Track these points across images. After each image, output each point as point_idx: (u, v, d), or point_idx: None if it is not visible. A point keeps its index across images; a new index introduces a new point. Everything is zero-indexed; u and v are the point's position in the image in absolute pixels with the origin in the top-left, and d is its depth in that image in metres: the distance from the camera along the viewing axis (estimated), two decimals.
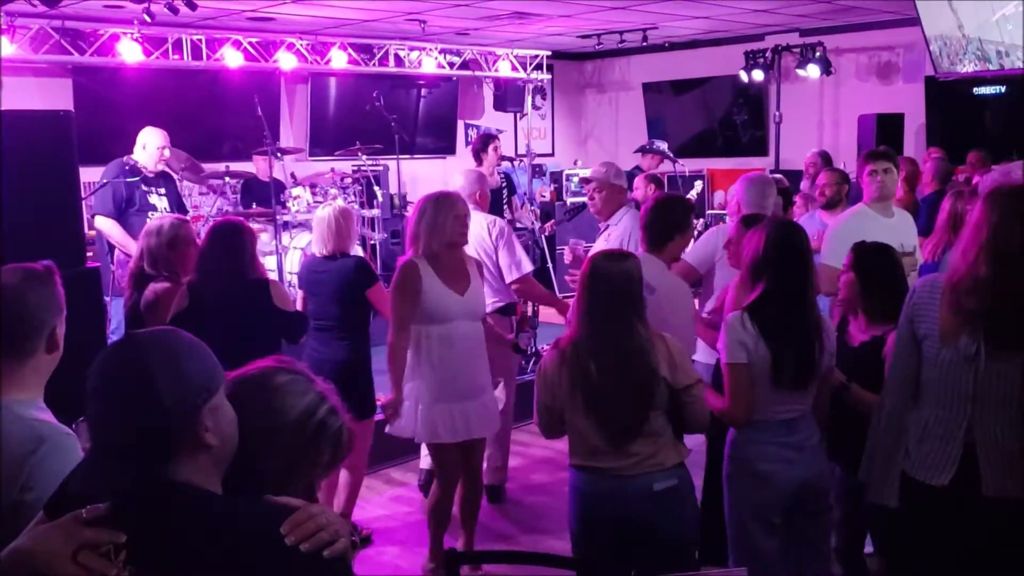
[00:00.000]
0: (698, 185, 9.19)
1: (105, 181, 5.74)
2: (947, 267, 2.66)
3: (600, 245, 4.60)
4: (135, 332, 1.56)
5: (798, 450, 3.00)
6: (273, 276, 7.36)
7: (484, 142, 7.49)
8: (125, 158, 5.91)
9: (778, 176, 6.09)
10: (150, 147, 5.95)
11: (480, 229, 4.66)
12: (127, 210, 5.77)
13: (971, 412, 2.51)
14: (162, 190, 6.03)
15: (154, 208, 5.88)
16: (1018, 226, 2.42)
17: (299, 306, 4.49)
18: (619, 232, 4.62)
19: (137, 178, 5.80)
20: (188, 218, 5.04)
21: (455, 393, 3.84)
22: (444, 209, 3.86)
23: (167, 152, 6.04)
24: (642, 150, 8.83)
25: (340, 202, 7.10)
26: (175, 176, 6.34)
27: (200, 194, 8.34)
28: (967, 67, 8.35)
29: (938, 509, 2.57)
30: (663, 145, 8.93)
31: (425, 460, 5.03)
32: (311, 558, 1.40)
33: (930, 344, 2.57)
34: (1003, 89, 8.82)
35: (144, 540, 1.39)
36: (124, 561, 1.37)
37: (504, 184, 7.70)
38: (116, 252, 5.70)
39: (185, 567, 1.38)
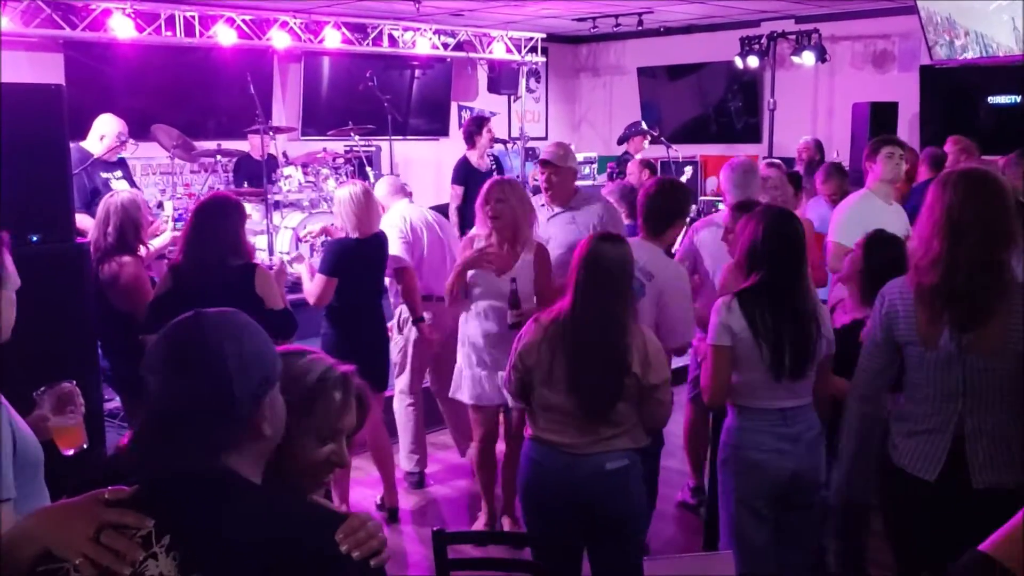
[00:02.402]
0: (687, 171, 9.18)
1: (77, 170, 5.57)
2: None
3: (561, 228, 4.47)
4: (202, 311, 1.46)
5: (793, 441, 3.01)
6: (264, 255, 7.38)
7: (478, 124, 7.50)
8: (76, 147, 5.67)
9: (777, 161, 6.11)
10: (110, 137, 5.83)
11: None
12: (94, 200, 5.57)
13: (961, 407, 2.51)
14: (119, 173, 5.97)
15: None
16: (968, 202, 2.46)
17: (314, 290, 4.36)
18: (586, 219, 4.44)
19: (92, 160, 5.72)
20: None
21: None
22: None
23: (128, 143, 5.94)
24: (624, 138, 8.80)
25: (332, 184, 7.09)
26: (125, 158, 6.24)
27: (192, 172, 8.30)
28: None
29: (928, 502, 2.58)
30: (641, 124, 8.92)
31: (408, 461, 5.09)
32: (357, 567, 1.37)
33: (912, 349, 2.57)
34: (1018, 99, 8.81)
35: (190, 527, 1.35)
36: (167, 547, 1.33)
37: (494, 167, 7.69)
38: None
39: (233, 561, 1.33)
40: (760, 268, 2.98)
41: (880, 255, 3.35)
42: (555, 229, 4.51)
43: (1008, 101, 8.91)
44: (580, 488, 2.95)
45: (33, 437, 1.97)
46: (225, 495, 1.38)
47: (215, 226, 3.76)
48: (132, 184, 6.14)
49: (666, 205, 3.85)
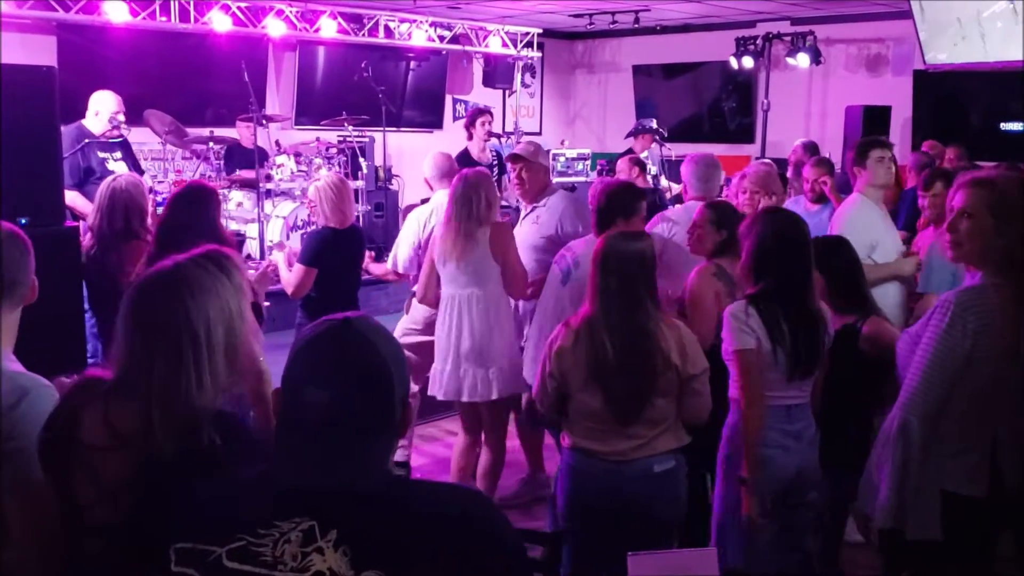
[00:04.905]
0: (652, 169, 9.08)
1: (68, 154, 5.41)
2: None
3: (528, 229, 4.48)
4: (351, 317, 1.44)
5: (796, 438, 3.01)
6: (254, 244, 7.36)
7: (472, 117, 7.56)
8: (77, 125, 5.68)
9: (767, 161, 6.12)
10: (104, 113, 5.76)
11: None
12: (87, 179, 5.58)
13: (997, 417, 2.48)
14: (118, 154, 5.88)
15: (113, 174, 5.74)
16: None
17: (293, 280, 4.34)
18: (549, 215, 4.45)
19: (88, 141, 5.63)
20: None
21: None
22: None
23: (121, 117, 5.83)
24: (634, 133, 8.78)
25: (324, 172, 7.09)
26: (126, 136, 6.12)
27: (183, 159, 8.27)
28: None
29: (980, 517, 2.51)
30: (652, 122, 8.88)
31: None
32: (515, 539, 1.41)
33: (989, 363, 2.45)
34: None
35: (359, 523, 1.34)
36: (335, 542, 1.32)
37: (495, 162, 7.70)
38: (82, 224, 5.49)
39: (409, 549, 1.32)
40: (770, 272, 2.95)
41: (839, 259, 3.31)
42: (524, 230, 4.50)
43: (1019, 128, 8.84)
44: (629, 494, 2.90)
45: None
46: (388, 491, 1.38)
47: (188, 215, 3.71)
48: (134, 167, 6.01)
49: (607, 205, 3.82)
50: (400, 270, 4.84)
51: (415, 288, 4.74)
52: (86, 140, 5.68)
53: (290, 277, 4.39)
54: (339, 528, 1.32)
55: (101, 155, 5.78)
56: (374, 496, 1.37)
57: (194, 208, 3.75)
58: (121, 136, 5.98)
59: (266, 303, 4.21)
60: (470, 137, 7.54)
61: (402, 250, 4.81)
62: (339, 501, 1.35)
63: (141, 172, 6.31)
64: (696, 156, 4.53)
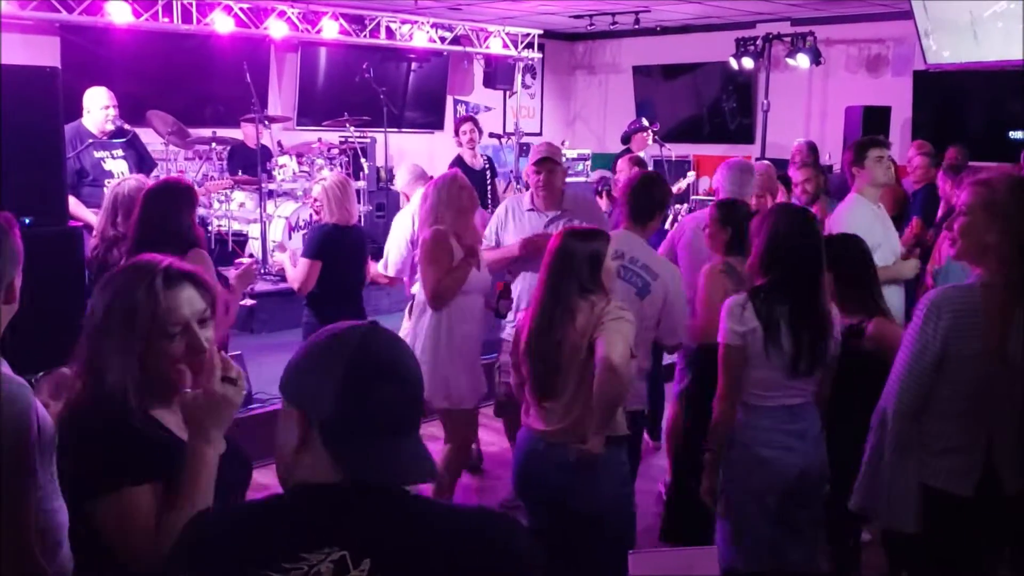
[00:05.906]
0: (690, 176, 9.18)
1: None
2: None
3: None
4: (378, 324, 1.41)
5: (800, 438, 3.02)
6: (256, 244, 7.38)
7: (456, 127, 7.83)
8: (74, 125, 5.61)
9: (764, 162, 6.14)
10: (94, 110, 5.74)
11: None
12: (81, 181, 5.54)
13: (992, 416, 2.48)
14: (118, 151, 5.80)
15: (111, 175, 5.61)
16: None
17: (299, 275, 4.37)
18: (584, 217, 4.31)
19: (90, 141, 5.63)
20: (150, 176, 4.86)
21: None
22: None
23: (111, 111, 5.76)
24: (628, 135, 8.78)
25: (326, 172, 7.13)
26: (131, 131, 5.98)
27: (186, 159, 8.30)
28: None
29: (968, 518, 2.52)
30: (642, 121, 8.90)
31: None
32: (529, 550, 1.38)
33: (971, 361, 2.46)
34: None
35: (384, 546, 1.27)
36: (368, 571, 1.24)
37: (487, 167, 7.76)
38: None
39: (433, 568, 1.28)
40: (779, 266, 2.97)
41: (850, 257, 3.32)
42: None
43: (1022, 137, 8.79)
44: (550, 480, 2.98)
45: (49, 419, 1.98)
46: (406, 506, 1.34)
47: (157, 212, 3.68)
48: (139, 161, 5.95)
49: (652, 197, 3.83)
50: (392, 273, 4.86)
51: (413, 291, 4.77)
52: (90, 141, 5.69)
53: (295, 273, 4.43)
54: (372, 557, 1.25)
55: (98, 155, 5.73)
56: (401, 517, 1.31)
57: (167, 205, 3.72)
58: (125, 133, 5.91)
59: (251, 301, 4.18)
60: (460, 144, 7.71)
61: (392, 253, 4.85)
62: (369, 522, 1.29)
63: (153, 164, 6.29)
64: (731, 162, 4.65)
